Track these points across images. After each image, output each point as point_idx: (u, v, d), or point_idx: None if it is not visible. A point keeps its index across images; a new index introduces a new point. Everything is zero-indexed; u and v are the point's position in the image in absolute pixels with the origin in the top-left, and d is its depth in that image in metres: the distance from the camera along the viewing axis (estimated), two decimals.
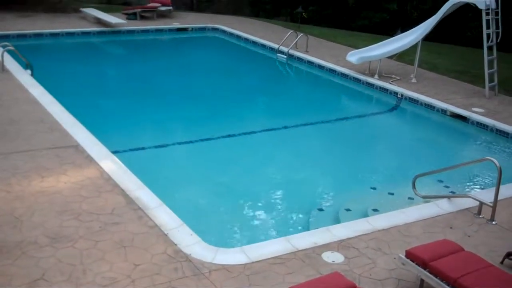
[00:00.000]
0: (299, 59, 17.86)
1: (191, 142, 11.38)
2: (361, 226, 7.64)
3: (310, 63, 17.48)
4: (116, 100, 13.58)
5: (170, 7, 22.83)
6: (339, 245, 7.08)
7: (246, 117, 13.23)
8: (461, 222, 7.94)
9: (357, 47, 17.53)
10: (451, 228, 7.76)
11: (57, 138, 9.78)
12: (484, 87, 14.49)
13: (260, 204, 8.97)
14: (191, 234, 7.04)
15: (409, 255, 6.27)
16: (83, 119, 10.64)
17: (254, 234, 7.91)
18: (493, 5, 14.21)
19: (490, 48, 14.41)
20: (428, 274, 6.01)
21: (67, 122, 10.51)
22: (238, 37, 20.70)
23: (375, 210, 8.55)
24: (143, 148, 10.63)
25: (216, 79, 16.35)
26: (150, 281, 6.04)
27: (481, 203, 8.20)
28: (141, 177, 8.44)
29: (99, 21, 20.49)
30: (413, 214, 8.10)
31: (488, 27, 14.21)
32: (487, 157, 8.55)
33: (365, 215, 8.28)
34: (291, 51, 18.02)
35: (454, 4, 14.70)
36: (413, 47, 15.68)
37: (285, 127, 12.56)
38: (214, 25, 21.95)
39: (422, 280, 6.15)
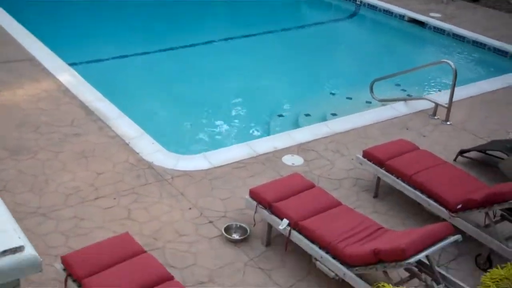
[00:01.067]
0: None
1: (150, 52, 11.17)
2: (320, 130, 7.80)
3: None
4: (71, 10, 13.10)
5: None
6: (298, 148, 7.24)
7: (206, 27, 12.99)
8: (417, 123, 8.16)
9: None
10: (407, 129, 7.98)
11: (11, 51, 9.51)
12: None
13: (221, 112, 9.02)
14: (153, 143, 7.08)
15: (366, 154, 6.44)
16: (38, 32, 10.30)
17: (216, 141, 8.00)
18: None
19: None
20: (384, 172, 6.21)
21: (21, 35, 10.17)
22: None
23: (334, 114, 8.70)
24: (100, 60, 10.41)
25: None
26: (113, 188, 6.13)
27: (437, 105, 8.41)
28: (99, 89, 8.34)
29: None
30: (370, 117, 8.28)
31: None
32: (443, 60, 8.71)
33: (324, 119, 8.43)
34: None
35: None
36: None
37: (245, 36, 12.44)
38: None
39: (378, 178, 6.34)
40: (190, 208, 5.88)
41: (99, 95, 8.20)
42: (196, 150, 7.40)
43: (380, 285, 2.78)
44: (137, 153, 6.82)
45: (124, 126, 7.42)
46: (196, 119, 8.68)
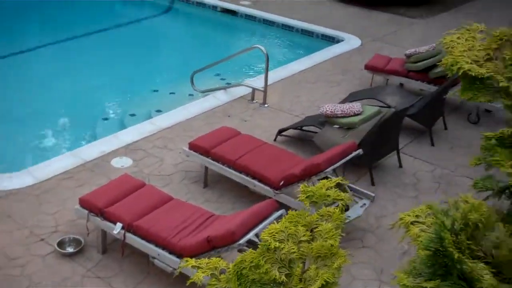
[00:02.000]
0: None
1: None
2: (146, 128, 7.88)
3: None
4: None
5: None
6: (126, 150, 7.28)
7: (17, 35, 12.36)
8: (237, 109, 8.56)
9: None
10: (229, 116, 8.34)
11: None
12: None
13: (43, 121, 8.68)
14: None
15: (192, 146, 6.67)
16: None
17: (39, 153, 7.74)
18: None
19: None
20: (210, 160, 6.47)
21: None
22: None
23: (158, 110, 8.83)
24: None
25: None
26: None
27: (254, 89, 8.87)
28: None
29: None
30: (194, 109, 8.52)
31: None
32: (255, 46, 9.15)
33: (149, 117, 8.52)
34: None
35: None
36: None
37: (61, 41, 12.04)
38: None
39: (206, 168, 6.60)
40: (18, 229, 5.70)
41: None
42: (20, 166, 7.13)
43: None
44: None
45: None
46: (16, 132, 8.31)
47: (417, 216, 3.03)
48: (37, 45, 11.74)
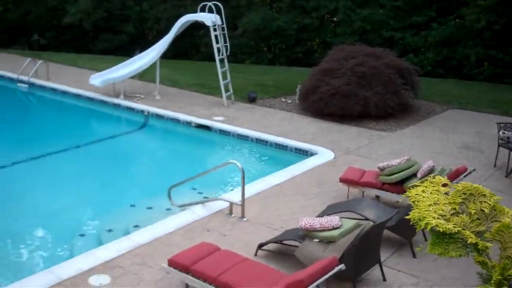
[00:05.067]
0: (42, 87, 17.35)
1: None
2: (124, 244, 7.80)
3: (53, 90, 17.10)
4: None
5: None
6: (104, 267, 7.17)
7: None
8: (216, 224, 8.57)
9: (99, 70, 17.59)
10: (208, 231, 8.33)
11: None
12: (221, 97, 15.67)
13: (18, 240, 8.57)
14: None
15: (172, 263, 6.61)
16: None
17: (14, 272, 7.56)
18: (219, 22, 15.47)
19: (221, 61, 15.62)
20: (191, 277, 6.41)
21: None
22: None
23: (136, 226, 8.77)
24: None
25: None
26: None
27: (231, 203, 8.94)
28: None
29: None
30: (172, 224, 8.50)
31: (217, 42, 15.41)
32: (230, 161, 9.33)
33: (127, 232, 8.45)
34: (32, 80, 17.41)
35: (184, 23, 15.68)
36: (153, 66, 16.29)
37: (36, 157, 12.14)
38: None
39: (186, 285, 6.52)
40: None
41: None
42: None
43: None
44: None
45: None
46: None
47: None
48: (12, 161, 11.78)
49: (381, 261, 7.24)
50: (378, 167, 9.29)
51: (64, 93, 16.77)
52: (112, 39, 27.40)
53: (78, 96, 16.41)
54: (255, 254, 7.63)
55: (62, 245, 8.50)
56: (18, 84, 17.46)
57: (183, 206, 9.33)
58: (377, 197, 9.26)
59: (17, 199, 10.06)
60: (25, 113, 16.40)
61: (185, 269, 6.46)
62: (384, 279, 7.13)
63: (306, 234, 7.33)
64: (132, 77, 16.91)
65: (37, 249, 8.48)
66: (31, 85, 17.33)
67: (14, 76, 17.76)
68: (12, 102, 17.04)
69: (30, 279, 6.91)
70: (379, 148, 12.50)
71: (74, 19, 26.54)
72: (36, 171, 11.65)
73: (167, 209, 9.39)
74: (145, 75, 17.57)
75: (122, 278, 6.95)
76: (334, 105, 14.43)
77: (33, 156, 12.17)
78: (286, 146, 12.64)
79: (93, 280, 6.87)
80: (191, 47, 27.15)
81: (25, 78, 17.39)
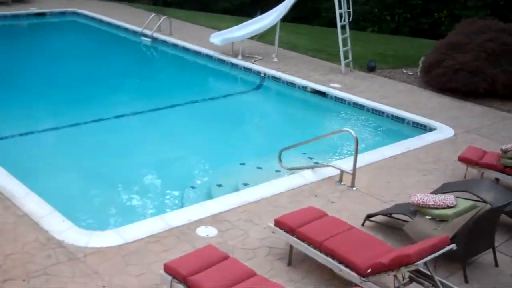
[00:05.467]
0: (164, 42, 17.82)
1: (58, 128, 11.05)
2: (233, 200, 7.92)
3: (175, 45, 17.50)
4: None
5: None
6: (212, 220, 7.31)
7: (115, 101, 13.01)
8: (324, 190, 8.47)
9: (220, 29, 17.79)
10: (315, 196, 8.26)
11: None
12: (340, 64, 15.36)
13: (133, 186, 8.95)
14: (63, 221, 6.92)
15: (278, 223, 6.63)
16: None
17: (128, 216, 7.90)
18: None
19: (343, 27, 15.26)
20: (296, 239, 6.39)
21: None
22: (100, 21, 20.16)
23: (245, 184, 8.87)
24: (5, 137, 10.16)
25: (81, 65, 15.86)
26: (23, 270, 5.90)
27: (342, 171, 8.79)
28: (5, 167, 8.11)
29: None
30: (280, 186, 8.50)
31: (340, 7, 15.05)
32: (344, 128, 9.17)
33: (236, 189, 8.57)
34: (156, 34, 17.91)
35: None
36: (273, 28, 16.21)
37: (155, 109, 12.55)
38: (74, 9, 21.17)
39: (291, 246, 6.51)
40: (104, 287, 5.76)
41: (5, 172, 7.96)
42: (109, 226, 7.29)
43: None
44: (47, 232, 6.64)
45: (32, 204, 7.22)
46: (107, 194, 8.59)
47: None
48: (132, 111, 12.26)
49: (495, 246, 6.85)
50: (501, 149, 8.76)
51: (185, 49, 17.12)
52: None
53: (197, 53, 16.70)
54: (362, 224, 7.48)
55: (173, 194, 8.77)
56: (142, 38, 18.03)
57: (292, 170, 9.29)
58: (497, 180, 8.74)
59: (134, 147, 10.48)
60: (147, 66, 16.95)
61: (291, 231, 6.44)
62: (496, 265, 6.77)
63: (417, 210, 7.08)
64: (251, 38, 16.94)
65: (149, 196, 8.79)
66: (154, 39, 17.82)
67: (139, 30, 18.34)
68: (136, 55, 17.65)
69: (142, 223, 7.20)
70: (503, 130, 11.78)
71: None
72: (153, 122, 12.06)
73: (276, 171, 9.40)
74: (264, 36, 17.56)
75: (228, 232, 7.05)
76: (458, 81, 13.73)
77: (152, 108, 12.59)
78: (403, 119, 12.22)
79: (201, 231, 7.03)
80: (312, 11, 26.74)
81: (148, 32, 17.91)
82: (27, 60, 15.83)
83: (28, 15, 20.16)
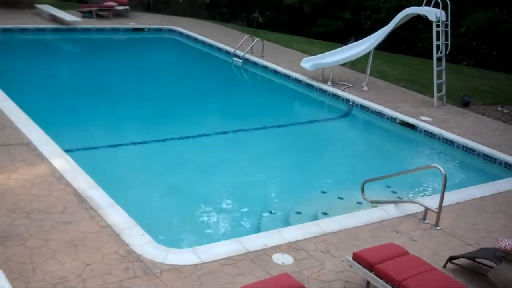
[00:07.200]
0: (255, 64, 18.03)
1: (145, 142, 11.40)
2: (311, 229, 7.83)
3: (265, 68, 17.67)
4: (70, 99, 13.42)
5: (127, 7, 22.67)
6: (289, 247, 7.24)
7: (201, 120, 13.28)
8: (406, 227, 8.22)
9: (311, 54, 17.81)
10: (397, 232, 8.02)
11: (9, 135, 9.64)
12: (432, 96, 14.96)
13: (212, 206, 9.04)
14: (143, 234, 7.08)
15: (356, 257, 6.47)
16: (36, 117, 10.50)
17: (206, 235, 8.00)
18: (443, 18, 14.70)
19: (439, 59, 14.88)
20: (374, 276, 6.22)
21: (19, 119, 10.36)
22: (195, 39, 20.72)
23: (325, 213, 8.76)
24: (96, 148, 10.57)
25: (172, 81, 16.35)
26: (101, 281, 6.06)
27: (427, 209, 8.50)
28: (93, 177, 8.42)
29: (54, 18, 20.16)
30: (361, 218, 8.34)
31: (438, 39, 14.69)
32: (433, 164, 8.89)
33: (315, 218, 8.48)
34: (247, 56, 18.16)
35: (406, 15, 15.16)
36: (366, 56, 16.05)
37: (239, 131, 12.68)
38: (170, 27, 21.90)
39: (368, 282, 6.35)
40: None
41: (93, 183, 8.26)
42: (187, 244, 7.38)
43: None
44: (127, 244, 6.80)
45: (115, 215, 7.44)
46: (187, 212, 8.71)
47: None
48: (215, 131, 12.42)
49: None
50: None
51: (275, 72, 17.25)
52: (328, 24, 27.60)
53: (287, 77, 16.77)
54: (444, 266, 7.19)
55: (251, 217, 8.77)
56: (234, 58, 18.33)
57: (374, 202, 9.09)
58: None
59: (216, 167, 10.59)
60: (235, 87, 17.19)
61: (369, 266, 6.28)
62: None
63: (504, 256, 6.72)
64: (342, 65, 16.85)
65: (227, 217, 8.83)
66: (245, 60, 18.08)
67: (231, 50, 18.67)
68: (226, 75, 17.95)
69: (219, 244, 7.25)
70: None
71: (294, 1, 27.23)
72: (236, 143, 12.17)
73: (358, 202, 9.23)
74: (355, 63, 17.42)
75: (304, 261, 6.96)
76: None
77: (237, 129, 12.71)
78: (495, 159, 11.70)
79: (277, 257, 6.98)
80: (407, 41, 26.32)
81: (241, 53, 18.19)
82: (121, 73, 16.48)
83: (127, 30, 21.01)
